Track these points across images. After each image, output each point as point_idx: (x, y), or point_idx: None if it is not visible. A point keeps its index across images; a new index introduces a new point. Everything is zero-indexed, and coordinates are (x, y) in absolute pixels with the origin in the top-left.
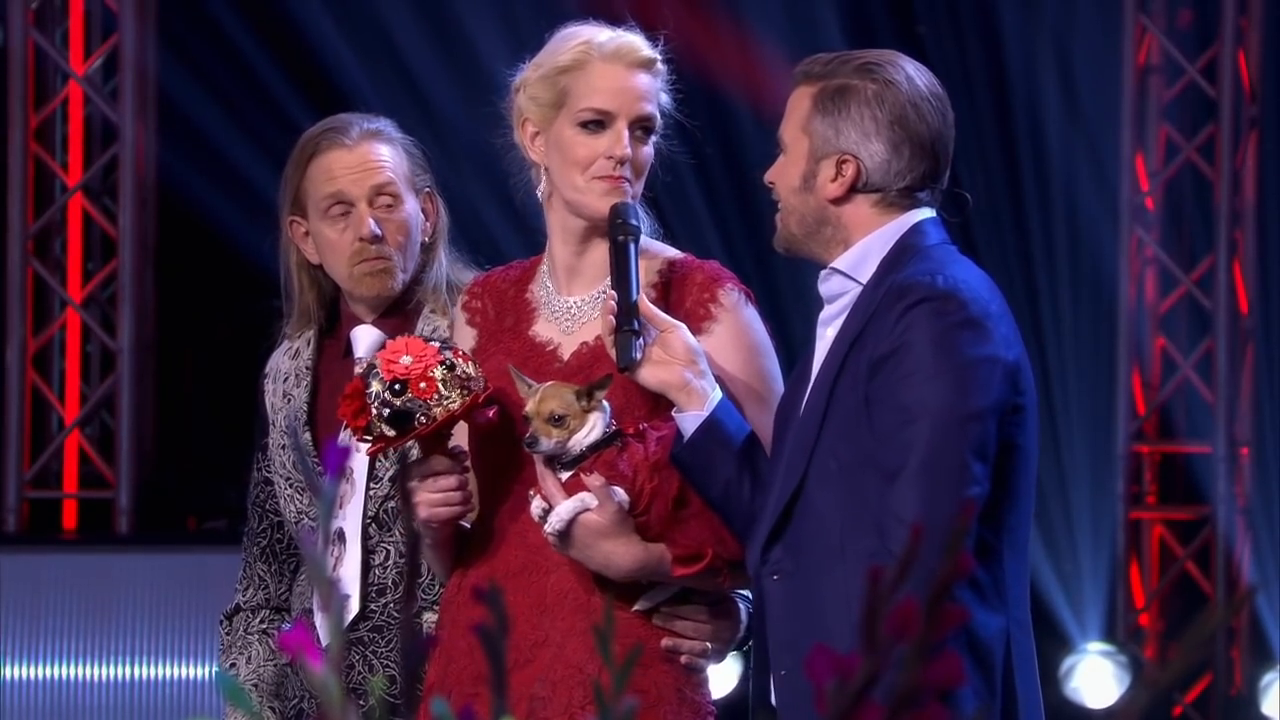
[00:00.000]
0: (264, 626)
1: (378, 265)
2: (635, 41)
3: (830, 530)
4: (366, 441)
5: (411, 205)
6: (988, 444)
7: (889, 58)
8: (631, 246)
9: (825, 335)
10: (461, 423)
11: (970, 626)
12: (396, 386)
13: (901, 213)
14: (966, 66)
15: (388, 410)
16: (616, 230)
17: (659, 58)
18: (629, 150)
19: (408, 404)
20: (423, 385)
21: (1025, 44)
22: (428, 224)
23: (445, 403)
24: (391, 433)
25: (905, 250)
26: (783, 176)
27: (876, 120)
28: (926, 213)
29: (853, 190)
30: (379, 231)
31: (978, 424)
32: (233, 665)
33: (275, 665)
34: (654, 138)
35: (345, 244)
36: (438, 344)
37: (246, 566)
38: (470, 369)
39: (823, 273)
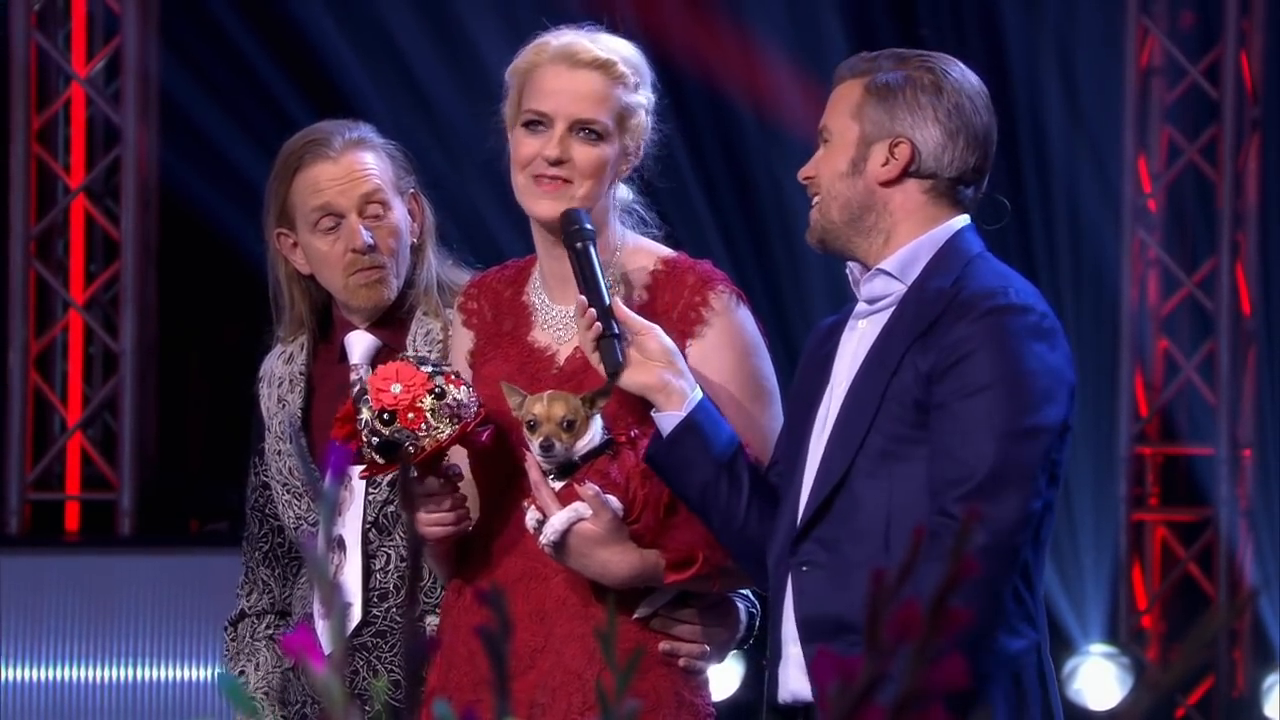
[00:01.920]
0: (270, 632)
1: (372, 276)
2: (584, 43)
3: (875, 518)
4: (361, 466)
5: (400, 210)
6: (1052, 457)
7: (940, 55)
8: (591, 249)
9: (857, 327)
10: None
11: (1005, 643)
12: (385, 416)
13: (947, 209)
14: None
15: (376, 439)
16: (571, 237)
17: (618, 60)
18: (556, 150)
19: (396, 434)
20: (410, 416)
21: (1027, 46)
22: (415, 224)
23: (433, 433)
24: (382, 460)
25: (953, 255)
26: (826, 164)
27: (934, 107)
28: (966, 219)
29: (905, 174)
30: (371, 241)
31: (1043, 437)
32: (241, 672)
33: (283, 671)
34: (609, 141)
35: (337, 255)
36: (429, 370)
37: (248, 571)
38: (462, 394)
39: (868, 274)
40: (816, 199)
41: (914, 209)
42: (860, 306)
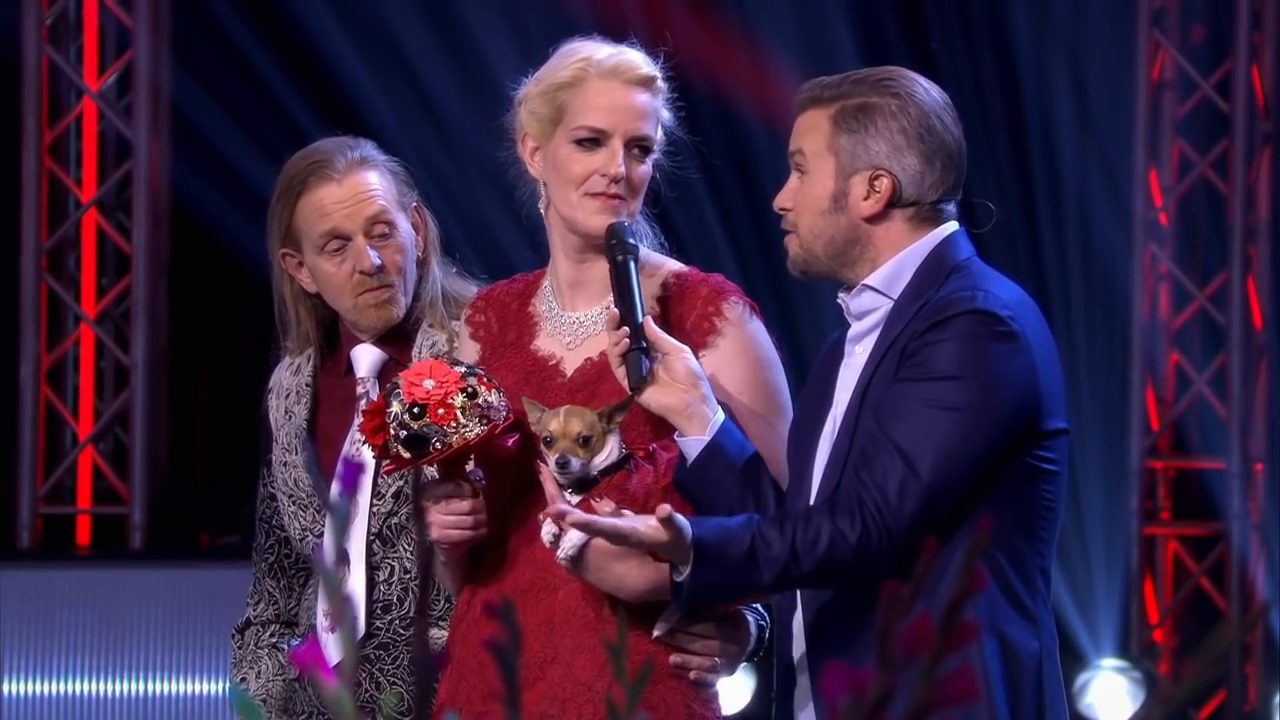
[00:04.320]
0: (274, 640)
1: (382, 295)
2: (634, 59)
3: None
4: (385, 460)
5: (404, 227)
6: (988, 457)
7: (899, 73)
8: (631, 265)
9: (854, 353)
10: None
11: (1009, 648)
12: (415, 410)
13: (932, 226)
14: (980, 82)
15: (404, 433)
16: (614, 250)
17: (659, 76)
18: (623, 169)
19: (424, 429)
20: (441, 411)
21: (1039, 60)
22: (419, 237)
23: (462, 431)
24: (407, 455)
25: (938, 264)
26: (806, 199)
27: (905, 133)
28: (954, 226)
29: (889, 206)
30: (380, 262)
31: (984, 433)
32: (243, 679)
33: (284, 680)
34: (653, 156)
35: (345, 277)
36: (463, 370)
37: (256, 581)
38: (493, 398)
39: (854, 289)
40: (792, 230)
41: (898, 235)
42: (853, 329)
